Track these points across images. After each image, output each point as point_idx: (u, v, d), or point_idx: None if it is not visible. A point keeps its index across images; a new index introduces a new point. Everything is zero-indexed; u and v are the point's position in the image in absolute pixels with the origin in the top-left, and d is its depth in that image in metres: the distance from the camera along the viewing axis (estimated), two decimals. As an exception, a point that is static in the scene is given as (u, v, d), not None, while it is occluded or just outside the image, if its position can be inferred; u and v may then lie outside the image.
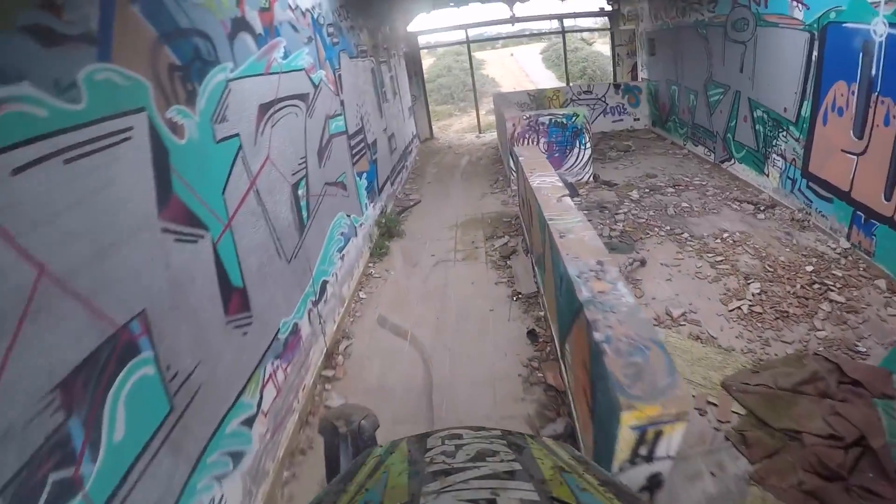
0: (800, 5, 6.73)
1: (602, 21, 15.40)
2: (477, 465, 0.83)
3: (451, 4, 12.95)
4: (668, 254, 6.10)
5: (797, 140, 6.85)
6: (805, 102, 6.59)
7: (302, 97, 4.78)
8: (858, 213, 5.61)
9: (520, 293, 5.69)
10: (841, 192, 5.90)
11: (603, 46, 25.63)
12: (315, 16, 5.59)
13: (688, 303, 5.03)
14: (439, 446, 0.95)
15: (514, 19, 14.04)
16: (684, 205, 7.64)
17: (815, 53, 6.32)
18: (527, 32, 21.94)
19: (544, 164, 6.09)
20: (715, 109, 9.36)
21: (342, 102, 6.20)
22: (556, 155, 8.75)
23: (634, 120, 13.14)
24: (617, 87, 13.01)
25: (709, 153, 9.84)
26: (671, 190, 8.40)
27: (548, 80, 24.44)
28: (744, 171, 8.57)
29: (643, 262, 5.91)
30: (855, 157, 5.61)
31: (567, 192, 4.90)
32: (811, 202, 6.58)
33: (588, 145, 8.83)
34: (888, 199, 5.13)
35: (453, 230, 7.89)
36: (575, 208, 4.53)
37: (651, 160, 10.42)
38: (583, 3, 14.65)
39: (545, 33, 19.08)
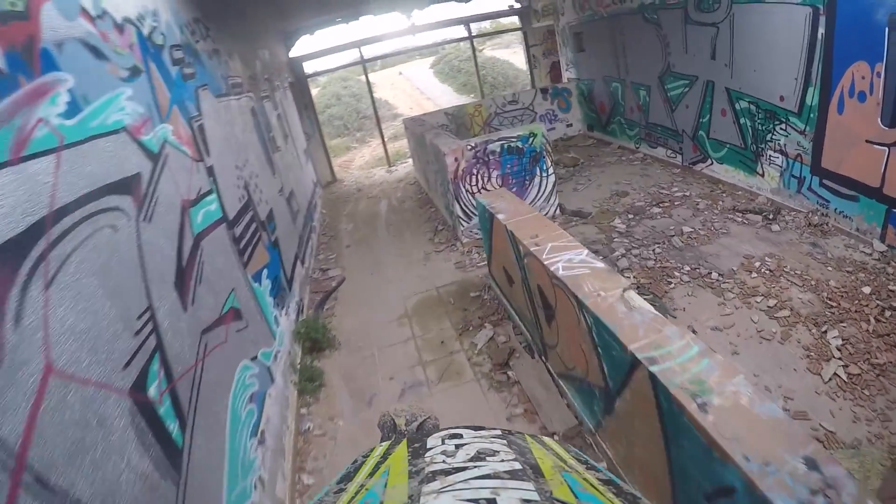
0: None
1: (509, 21, 13.87)
2: (477, 464, 0.80)
3: (339, 21, 10.87)
4: (711, 309, 4.70)
5: (802, 133, 5.84)
6: (811, 89, 5.57)
7: (122, 187, 2.42)
8: (894, 210, 4.94)
9: (554, 433, 3.70)
10: (869, 189, 5.15)
11: (498, 51, 24.42)
12: (146, 31, 3.26)
13: (776, 385, 3.79)
14: (439, 446, 0.91)
15: (414, 29, 12.14)
16: (686, 229, 6.16)
17: (821, 31, 5.31)
18: (430, 43, 20.01)
19: (549, 226, 4.11)
20: (678, 105, 7.94)
21: (210, 171, 3.82)
22: (514, 189, 6.86)
23: (567, 126, 11.60)
24: (544, 91, 11.38)
25: (673, 155, 8.45)
26: (657, 210, 6.86)
27: (446, 94, 22.63)
28: (727, 172, 7.29)
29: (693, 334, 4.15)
30: (886, 147, 4.88)
31: (630, 284, 3.03)
32: (828, 202, 5.70)
33: (551, 170, 7.03)
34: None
35: (406, 323, 5.59)
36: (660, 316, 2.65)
37: (609, 172, 8.90)
38: (487, 4, 12.93)
39: (453, 41, 17.23)
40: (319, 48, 11.92)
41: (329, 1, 9.34)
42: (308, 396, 4.59)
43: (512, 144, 6.77)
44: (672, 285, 5.11)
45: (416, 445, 0.97)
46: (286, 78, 10.26)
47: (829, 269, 4.91)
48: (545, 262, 3.48)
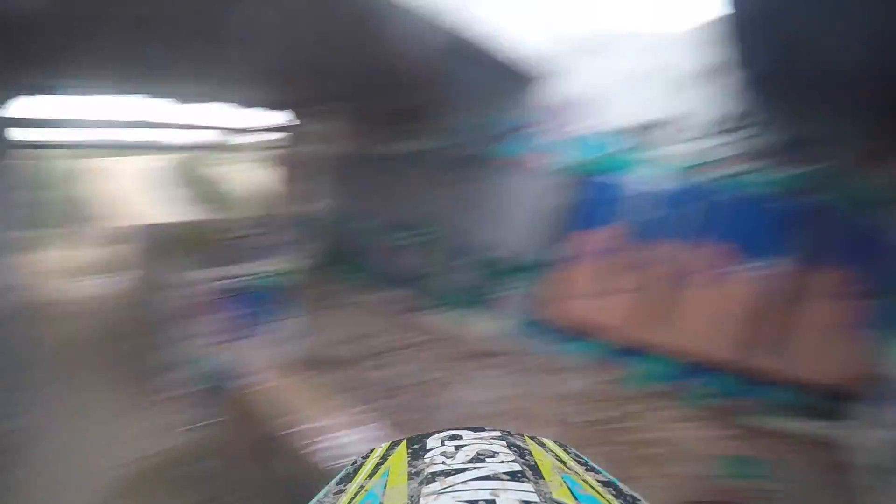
0: (550, 151, 6.34)
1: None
2: (476, 465, 0.79)
3: (91, 91, 9.24)
4: None
5: (529, 285, 6.80)
6: (544, 248, 6.62)
7: None
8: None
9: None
10: (585, 332, 6.09)
11: (251, 164, 23.55)
12: None
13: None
14: (439, 447, 0.88)
15: (145, 124, 10.26)
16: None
17: (561, 200, 6.42)
18: (160, 143, 17.53)
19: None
20: (412, 252, 8.40)
21: None
22: (246, 334, 5.97)
23: (298, 259, 11.27)
24: (289, 219, 10.85)
25: (397, 301, 8.70)
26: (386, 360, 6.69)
27: (159, 204, 20.75)
28: (456, 319, 7.70)
29: None
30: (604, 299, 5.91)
31: None
32: (552, 344, 6.47)
33: (291, 314, 6.39)
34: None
35: None
36: None
37: (342, 315, 8.57)
38: (258, 115, 12.40)
39: (205, 147, 15.56)
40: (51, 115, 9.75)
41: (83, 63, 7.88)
42: None
43: (249, 282, 6.14)
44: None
45: (416, 446, 0.93)
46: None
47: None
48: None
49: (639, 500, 0.82)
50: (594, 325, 6.07)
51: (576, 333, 6.23)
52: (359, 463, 0.98)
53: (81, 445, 4.80)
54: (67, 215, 16.36)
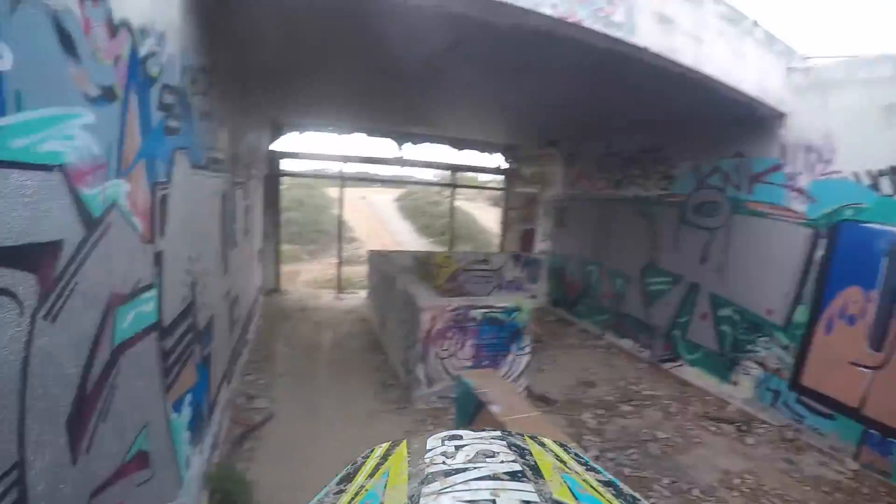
0: (802, 197, 5.48)
1: (490, 178, 14.18)
2: (476, 465, 0.79)
3: (332, 130, 10.69)
4: None
5: (785, 348, 5.80)
6: (800, 306, 5.66)
7: (25, 258, 1.47)
8: (871, 430, 4.96)
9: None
10: (847, 409, 5.15)
11: (462, 202, 25.03)
12: (142, 52, 2.40)
13: None
14: (439, 447, 0.90)
15: (401, 161, 12.08)
16: (660, 434, 5.58)
17: (819, 252, 5.51)
18: (412, 179, 20.09)
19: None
20: (656, 300, 7.75)
21: (159, 258, 2.74)
22: (486, 363, 6.13)
23: (531, 298, 11.26)
24: (516, 258, 11.05)
25: (641, 349, 8.08)
26: (627, 409, 6.26)
27: (405, 231, 22.61)
28: (698, 376, 6.95)
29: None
30: (869, 370, 4.96)
31: None
32: (802, 418, 5.61)
33: (527, 349, 6.35)
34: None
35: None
36: None
37: (573, 356, 8.31)
38: (476, 156, 13.13)
39: (429, 183, 17.35)
40: (301, 149, 11.54)
41: (332, 107, 9.15)
42: None
43: (495, 314, 6.14)
44: (651, 500, 4.39)
45: (416, 447, 0.93)
46: (262, 169, 9.51)
47: (807, 488, 4.66)
48: None
49: (639, 499, 0.80)
50: (855, 401, 4.99)
51: (834, 409, 5.17)
52: (359, 463, 0.98)
53: (320, 436, 5.39)
54: (321, 234, 18.72)
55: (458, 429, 3.31)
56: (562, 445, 1.00)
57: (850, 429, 5.06)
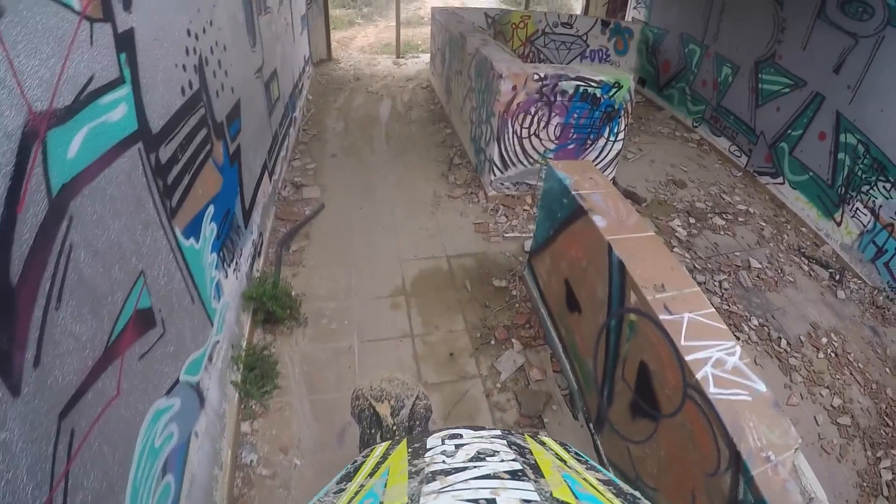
0: None
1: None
2: (477, 464, 0.80)
3: None
4: (778, 391, 3.98)
5: None
6: None
7: None
8: None
9: None
10: None
11: None
12: None
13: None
14: (439, 446, 0.91)
15: None
16: (753, 263, 5.35)
17: None
18: None
19: (676, 269, 2.82)
20: (766, 102, 6.89)
21: (125, 40, 1.91)
22: (572, 146, 5.53)
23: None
24: (605, 25, 9.55)
25: (738, 154, 7.37)
26: (720, 222, 5.95)
27: None
28: (798, 201, 6.34)
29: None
30: None
31: (799, 440, 2.32)
32: None
33: (621, 135, 5.63)
34: None
35: (402, 306, 4.19)
36: None
37: (662, 148, 7.68)
38: None
39: None
40: None
41: None
42: (254, 403, 3.22)
43: (590, 90, 5.24)
44: (739, 342, 4.58)
45: (416, 445, 0.95)
46: None
47: (888, 370, 4.44)
48: (683, 354, 2.30)
49: (639, 499, 0.80)
50: None
51: None
52: (359, 462, 1.01)
53: (378, 226, 5.30)
54: None
55: (540, 234, 3.66)
56: (562, 444, 1.01)
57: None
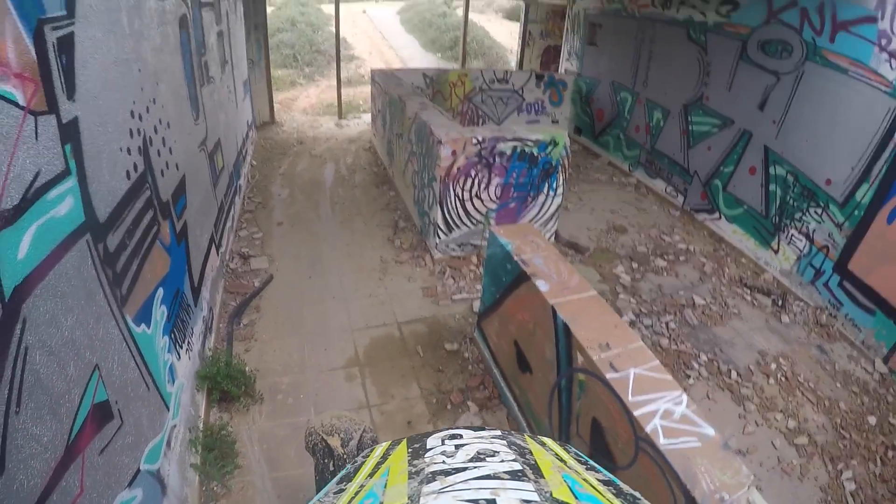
0: (894, 62, 4.61)
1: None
2: (477, 465, 0.80)
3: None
4: (733, 423, 4.07)
5: (838, 226, 5.20)
6: (865, 185, 4.91)
7: None
8: None
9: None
10: (890, 308, 4.68)
11: (473, 15, 22.22)
12: None
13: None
14: (439, 446, 0.90)
15: None
16: (698, 300, 5.39)
17: None
18: None
19: (619, 326, 2.89)
20: (698, 142, 7.06)
21: (70, 131, 1.85)
22: (513, 204, 5.59)
23: (552, 122, 10.20)
24: (539, 78, 9.86)
25: (675, 194, 7.57)
26: (661, 262, 6.01)
27: (410, 47, 19.97)
28: (735, 233, 6.51)
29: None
30: None
31: (752, 478, 2.14)
32: (840, 304, 5.19)
33: (560, 190, 5.73)
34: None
35: (356, 377, 4.11)
36: None
37: (601, 194, 7.85)
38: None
39: None
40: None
41: None
42: (215, 485, 3.07)
43: (527, 149, 5.35)
44: (691, 380, 4.39)
45: (416, 446, 0.95)
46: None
47: (838, 385, 4.56)
48: (631, 409, 2.31)
49: (639, 499, 0.79)
50: (889, 301, 4.66)
51: (876, 304, 4.78)
52: (359, 462, 0.99)
53: (328, 296, 5.16)
54: (317, 55, 17.20)
55: (487, 298, 3.73)
56: (562, 445, 0.99)
57: (888, 329, 4.71)
